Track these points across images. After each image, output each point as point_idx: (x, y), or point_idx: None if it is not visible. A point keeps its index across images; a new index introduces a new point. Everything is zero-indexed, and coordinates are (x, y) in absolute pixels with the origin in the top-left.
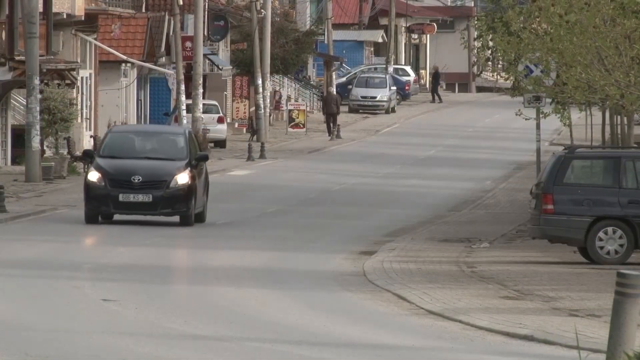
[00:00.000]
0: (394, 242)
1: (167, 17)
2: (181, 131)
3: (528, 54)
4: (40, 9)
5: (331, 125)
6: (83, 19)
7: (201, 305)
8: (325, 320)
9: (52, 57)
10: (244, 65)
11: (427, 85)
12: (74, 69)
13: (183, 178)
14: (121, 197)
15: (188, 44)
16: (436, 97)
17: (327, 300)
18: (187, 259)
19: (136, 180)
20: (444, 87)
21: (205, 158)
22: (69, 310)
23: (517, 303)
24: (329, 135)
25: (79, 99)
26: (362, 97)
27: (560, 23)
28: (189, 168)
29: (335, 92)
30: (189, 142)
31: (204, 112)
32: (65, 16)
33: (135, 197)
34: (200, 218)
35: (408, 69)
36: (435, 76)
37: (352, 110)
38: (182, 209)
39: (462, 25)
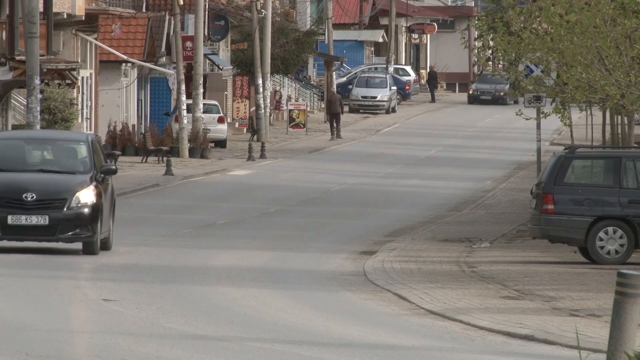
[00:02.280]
0: (395, 242)
1: (167, 17)
2: (83, 137)
3: (528, 53)
4: (41, 9)
5: (334, 125)
6: (83, 18)
7: (202, 305)
8: (326, 320)
9: (52, 57)
10: (245, 65)
11: (427, 85)
12: (74, 69)
13: (87, 195)
14: (10, 220)
15: (188, 43)
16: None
17: (327, 300)
18: (188, 258)
19: (29, 199)
20: (444, 86)
21: (113, 171)
22: (69, 310)
23: (517, 303)
24: (332, 135)
25: (80, 98)
26: (362, 97)
27: (560, 23)
28: (93, 183)
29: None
30: (93, 151)
31: (204, 112)
32: (65, 16)
33: (28, 219)
34: (105, 245)
35: (408, 68)
36: (432, 76)
37: (352, 110)
38: (86, 233)
39: (463, 25)
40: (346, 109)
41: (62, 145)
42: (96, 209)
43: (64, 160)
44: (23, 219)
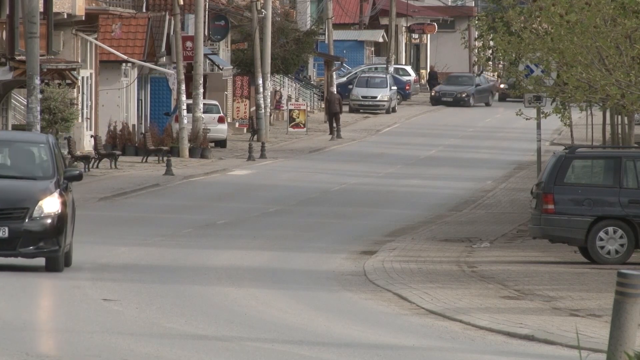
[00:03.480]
0: (395, 242)
1: (167, 17)
2: (42, 139)
3: (529, 53)
4: (41, 9)
5: (334, 124)
6: (84, 18)
7: (202, 305)
8: (326, 320)
9: (52, 56)
10: (245, 65)
11: (427, 85)
12: (74, 69)
13: (51, 204)
14: None
15: (189, 43)
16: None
17: (327, 300)
18: (188, 258)
19: None
20: None
21: (78, 177)
22: (69, 310)
23: (517, 303)
24: (331, 134)
25: (80, 98)
26: (362, 97)
27: (560, 23)
28: (58, 190)
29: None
30: (55, 155)
31: (204, 112)
32: (65, 16)
33: None
34: (66, 260)
35: (408, 68)
36: (432, 76)
37: (352, 110)
38: (51, 247)
39: (463, 25)
40: (346, 108)
41: (20, 148)
42: (62, 219)
43: (23, 165)
44: None
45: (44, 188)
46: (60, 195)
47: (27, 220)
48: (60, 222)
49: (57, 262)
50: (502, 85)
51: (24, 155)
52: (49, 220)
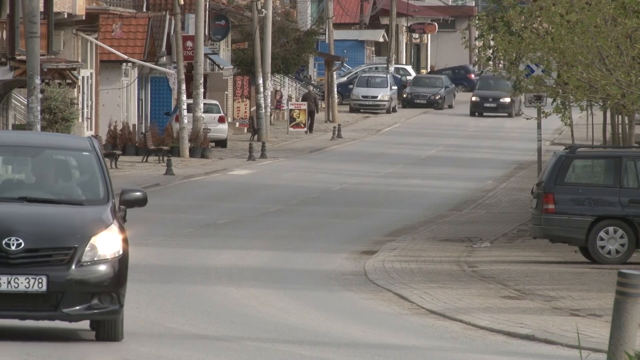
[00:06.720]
0: (395, 242)
1: (168, 16)
2: (86, 145)
3: (529, 53)
4: (41, 9)
5: (309, 121)
6: (84, 18)
7: (202, 305)
8: (326, 319)
9: (53, 56)
10: (245, 65)
11: None
12: (74, 69)
13: (109, 242)
14: None
15: (189, 43)
16: None
17: (328, 300)
18: (188, 258)
19: (13, 247)
20: None
21: (143, 201)
22: None
23: (518, 303)
24: (309, 130)
25: (80, 98)
26: (363, 96)
27: (561, 22)
28: (115, 221)
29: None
30: (105, 168)
31: (205, 112)
32: (66, 16)
33: (13, 281)
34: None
35: (409, 68)
36: None
37: (353, 110)
38: (109, 306)
39: (463, 25)
40: (347, 108)
41: (55, 157)
42: (124, 264)
43: (62, 182)
44: (4, 282)
45: (97, 218)
46: (121, 228)
47: (73, 266)
48: (122, 268)
49: (115, 328)
50: (473, 98)
51: (62, 169)
52: (105, 267)
